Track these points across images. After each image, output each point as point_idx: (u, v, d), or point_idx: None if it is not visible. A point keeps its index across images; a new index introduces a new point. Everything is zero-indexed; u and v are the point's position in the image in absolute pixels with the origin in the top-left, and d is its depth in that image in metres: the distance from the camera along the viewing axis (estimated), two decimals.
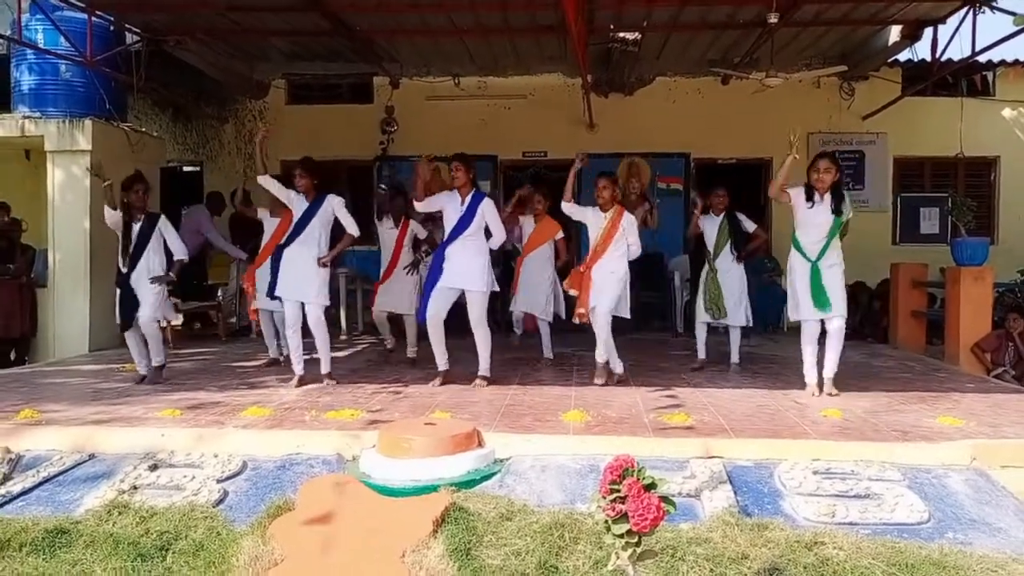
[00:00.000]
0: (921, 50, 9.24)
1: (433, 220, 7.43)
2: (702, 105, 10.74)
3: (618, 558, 2.68)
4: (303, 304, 6.12)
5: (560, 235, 7.34)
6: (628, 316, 6.26)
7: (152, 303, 6.16)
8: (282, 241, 6.23)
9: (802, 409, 5.26)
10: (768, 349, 8.48)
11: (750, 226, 7.01)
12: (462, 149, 10.56)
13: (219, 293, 9.61)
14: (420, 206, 6.32)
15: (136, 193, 6.23)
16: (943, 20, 8.38)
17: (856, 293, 9.99)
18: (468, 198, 6.11)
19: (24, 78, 8.63)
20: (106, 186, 6.21)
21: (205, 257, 9.91)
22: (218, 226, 9.69)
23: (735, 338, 7.12)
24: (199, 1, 7.75)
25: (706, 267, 6.98)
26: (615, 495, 2.64)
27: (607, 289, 6.05)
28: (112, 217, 6.26)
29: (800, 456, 4.19)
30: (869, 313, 9.72)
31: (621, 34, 8.58)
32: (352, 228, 6.14)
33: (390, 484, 3.94)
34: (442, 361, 6.22)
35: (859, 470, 4.05)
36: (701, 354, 7.09)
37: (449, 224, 6.15)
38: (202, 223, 9.44)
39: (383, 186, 7.28)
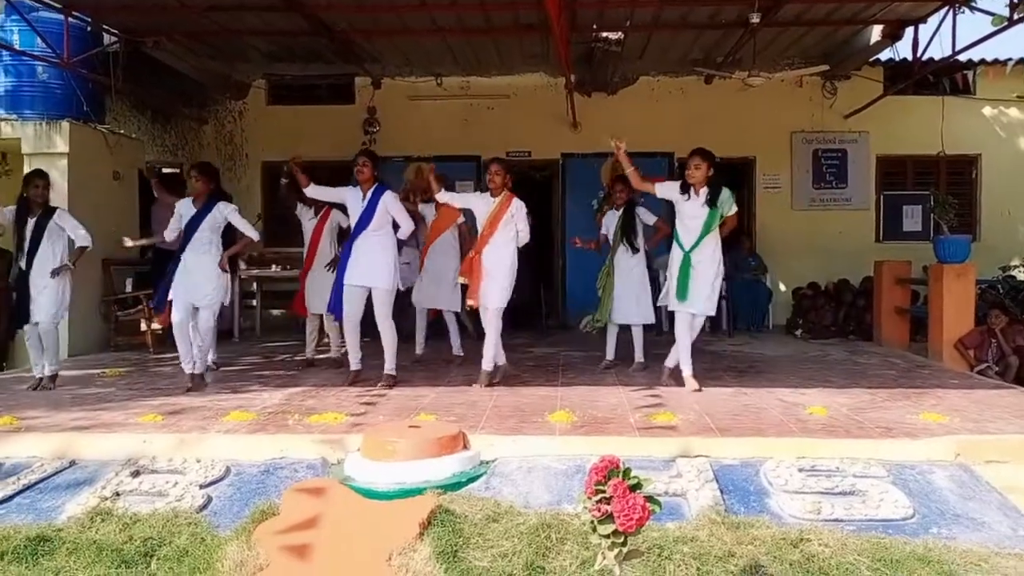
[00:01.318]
0: (902, 49, 9.29)
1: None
2: (685, 105, 10.77)
3: (604, 558, 2.67)
4: (194, 308, 6.11)
5: (461, 219, 7.26)
6: (504, 304, 6.14)
7: (51, 300, 6.11)
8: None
9: (787, 407, 5.28)
10: (753, 347, 8.51)
11: (650, 219, 6.88)
12: (445, 149, 10.69)
13: None
14: (310, 191, 6.34)
15: (36, 188, 6.17)
16: (923, 20, 8.43)
17: (840, 291, 10.08)
18: (370, 192, 6.13)
19: (0, 80, 8.53)
20: None
21: None
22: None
23: (637, 336, 6.94)
24: (178, 2, 7.68)
25: (604, 265, 6.91)
26: (601, 496, 2.64)
27: (496, 281, 6.03)
28: None
29: (785, 454, 4.20)
30: (852, 310, 9.77)
31: (604, 33, 8.59)
32: (250, 232, 6.18)
33: (375, 487, 3.92)
34: (355, 360, 6.27)
35: (844, 467, 4.07)
36: (609, 355, 7.04)
37: (352, 220, 6.17)
38: (154, 217, 9.37)
39: (284, 179, 7.08)
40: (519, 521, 3.53)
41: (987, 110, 10.92)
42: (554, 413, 4.99)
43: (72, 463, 4.34)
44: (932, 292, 7.99)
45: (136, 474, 4.17)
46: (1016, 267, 10.41)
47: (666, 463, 4.14)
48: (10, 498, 4.00)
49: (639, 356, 6.93)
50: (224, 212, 6.14)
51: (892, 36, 8.81)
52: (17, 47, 8.11)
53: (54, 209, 6.28)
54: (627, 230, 6.77)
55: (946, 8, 7.90)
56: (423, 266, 7.27)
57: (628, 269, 6.77)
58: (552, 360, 7.46)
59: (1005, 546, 3.41)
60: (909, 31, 8.65)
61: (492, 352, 6.16)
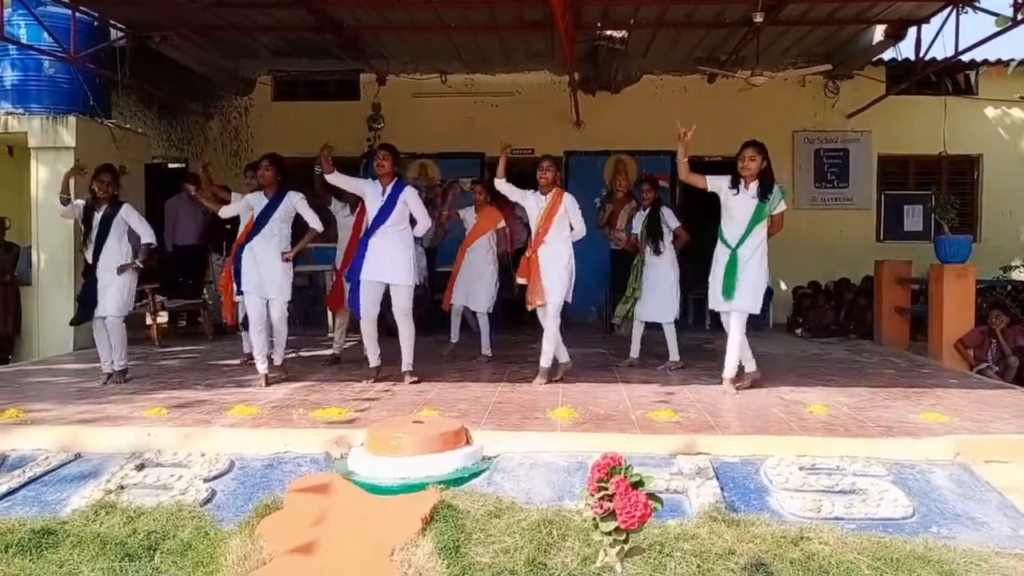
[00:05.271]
0: (905, 49, 9.31)
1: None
2: (688, 103, 10.75)
3: (606, 555, 2.70)
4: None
5: (502, 224, 7.33)
6: (570, 300, 6.20)
7: (116, 295, 6.10)
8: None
9: (787, 405, 5.30)
10: (754, 346, 8.49)
11: (673, 223, 6.88)
12: (449, 147, 10.74)
13: (204, 291, 9.56)
14: (332, 178, 6.24)
15: (102, 183, 6.15)
16: (926, 20, 8.44)
17: (840, 290, 10.10)
18: (389, 187, 6.09)
19: (7, 74, 8.54)
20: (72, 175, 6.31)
21: (206, 253, 9.79)
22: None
23: (669, 335, 6.91)
24: None
25: (634, 266, 6.91)
26: (603, 493, 2.66)
27: (555, 280, 6.02)
28: (61, 209, 6.33)
29: (786, 452, 4.22)
30: (853, 309, 9.79)
31: (608, 32, 8.58)
32: (316, 224, 6.21)
33: (378, 482, 3.95)
34: (374, 357, 6.25)
35: (844, 466, 4.09)
36: (634, 353, 7.05)
37: (370, 215, 6.13)
38: (178, 214, 9.43)
39: (317, 169, 6.90)
40: (521, 517, 3.55)
41: (989, 110, 10.93)
42: (556, 410, 5.01)
43: (77, 456, 4.37)
44: (932, 292, 8.01)
45: (141, 467, 4.20)
46: (1017, 267, 10.43)
47: (667, 460, 4.17)
48: (15, 491, 4.03)
49: (673, 355, 6.92)
50: (294, 201, 6.19)
51: (895, 36, 8.81)
52: (24, 41, 8.13)
53: (121, 204, 6.23)
54: (652, 231, 6.78)
55: (949, 8, 7.90)
56: (460, 266, 7.27)
57: (654, 269, 6.80)
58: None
59: (1005, 546, 3.43)
60: (912, 31, 8.66)
61: (552, 348, 6.14)
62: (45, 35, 7.95)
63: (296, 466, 4.23)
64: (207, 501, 3.90)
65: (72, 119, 8.32)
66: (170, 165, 11.28)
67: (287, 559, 3.44)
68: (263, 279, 6.09)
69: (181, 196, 9.60)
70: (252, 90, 11.11)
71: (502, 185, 6.21)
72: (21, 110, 8.42)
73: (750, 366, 5.97)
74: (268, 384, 6.03)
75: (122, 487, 4.00)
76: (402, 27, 8.95)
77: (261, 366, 6.13)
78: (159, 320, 8.63)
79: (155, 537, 3.54)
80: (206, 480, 4.08)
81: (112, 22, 8.66)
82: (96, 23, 8.54)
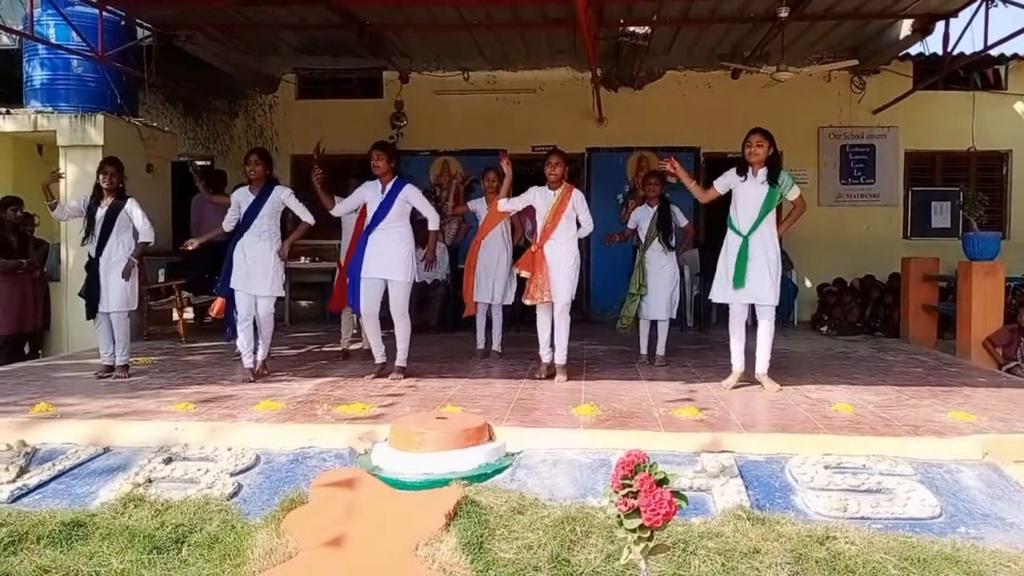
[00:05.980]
0: (933, 44, 9.21)
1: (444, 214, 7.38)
2: (712, 99, 10.71)
3: (630, 552, 2.69)
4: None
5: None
6: (573, 297, 6.15)
7: (119, 291, 6.14)
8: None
9: (813, 403, 5.26)
10: (778, 343, 8.42)
11: (683, 220, 6.89)
12: (472, 144, 10.73)
13: None
14: (336, 212, 6.42)
15: (105, 175, 6.17)
16: (955, 14, 8.32)
17: (866, 287, 10.00)
18: (390, 185, 6.10)
19: (36, 73, 8.68)
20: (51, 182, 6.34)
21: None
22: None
23: (662, 331, 6.92)
24: None
25: (636, 260, 6.85)
26: (627, 490, 2.66)
27: (564, 277, 5.98)
28: (54, 215, 6.37)
29: (811, 450, 4.19)
30: (879, 307, 9.69)
31: (631, 28, 8.56)
32: (307, 217, 6.21)
33: (402, 478, 3.97)
34: (379, 353, 6.28)
35: (871, 465, 4.05)
36: (643, 349, 7.03)
37: (370, 212, 6.14)
38: (204, 210, 9.49)
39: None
40: (544, 513, 3.55)
41: (1018, 106, 10.75)
42: (579, 406, 5.01)
43: (106, 450, 4.43)
44: (960, 290, 7.91)
45: (168, 461, 4.25)
46: None
47: (691, 458, 4.15)
48: (46, 483, 4.08)
49: (661, 350, 6.93)
50: (281, 196, 6.18)
51: (922, 30, 8.69)
52: (53, 41, 8.26)
53: (126, 198, 6.25)
54: (663, 227, 6.73)
55: (978, 2, 7.79)
56: (475, 261, 7.21)
57: (660, 267, 6.74)
58: (576, 353, 7.44)
59: None
60: (940, 25, 8.55)
61: (566, 344, 6.12)
62: (73, 35, 8.06)
63: (321, 461, 4.26)
64: (233, 495, 3.94)
65: (100, 117, 8.43)
66: (196, 163, 11.37)
67: (312, 553, 3.47)
68: (251, 275, 6.10)
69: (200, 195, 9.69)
70: (276, 88, 11.18)
71: (505, 205, 6.29)
72: (50, 109, 8.55)
73: (738, 364, 5.88)
74: (255, 380, 6.06)
75: (150, 480, 4.05)
76: (424, 25, 8.98)
77: (247, 360, 6.17)
78: (185, 316, 8.72)
79: (183, 530, 3.58)
80: (232, 474, 4.11)
81: (138, 21, 8.76)
82: (123, 22, 8.64)
